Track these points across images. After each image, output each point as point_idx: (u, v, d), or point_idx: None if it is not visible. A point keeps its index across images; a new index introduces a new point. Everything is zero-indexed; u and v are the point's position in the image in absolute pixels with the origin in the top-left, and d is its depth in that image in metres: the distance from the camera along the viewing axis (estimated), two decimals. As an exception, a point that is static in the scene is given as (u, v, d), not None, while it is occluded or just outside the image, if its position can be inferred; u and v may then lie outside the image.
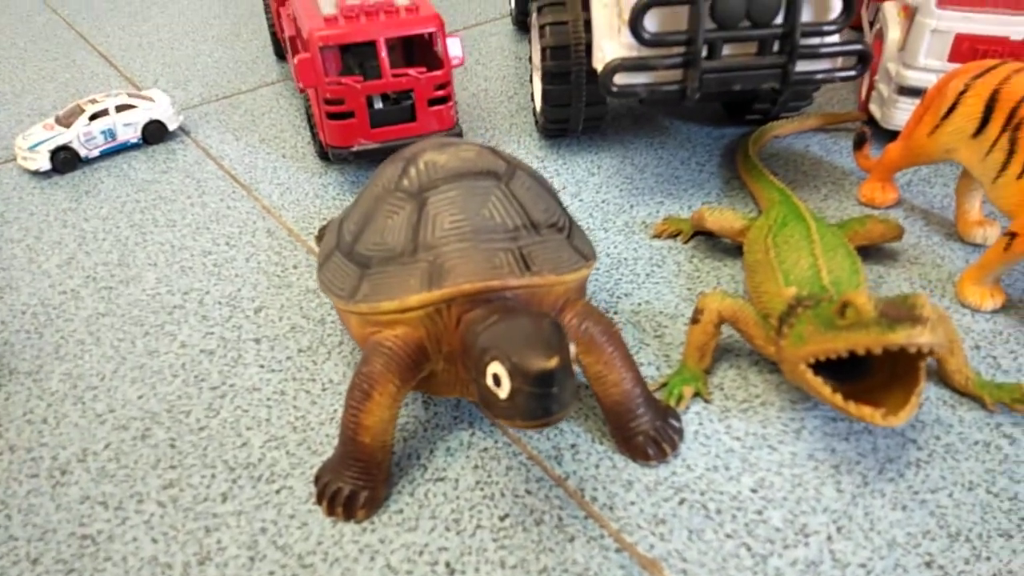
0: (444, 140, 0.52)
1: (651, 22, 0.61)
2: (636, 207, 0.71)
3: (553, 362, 0.35)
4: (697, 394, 0.52)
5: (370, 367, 0.44)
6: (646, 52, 0.62)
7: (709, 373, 0.54)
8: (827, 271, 0.52)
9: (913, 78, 0.71)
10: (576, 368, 0.49)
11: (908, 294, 0.43)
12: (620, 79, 0.63)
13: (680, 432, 0.48)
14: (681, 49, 0.61)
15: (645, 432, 0.47)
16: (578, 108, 0.76)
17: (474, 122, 0.87)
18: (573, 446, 0.49)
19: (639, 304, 0.60)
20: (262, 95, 0.96)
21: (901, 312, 0.42)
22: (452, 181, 0.47)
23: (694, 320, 0.52)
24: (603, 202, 0.72)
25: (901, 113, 0.73)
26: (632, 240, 0.67)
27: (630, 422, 0.47)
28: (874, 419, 0.42)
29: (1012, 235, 0.53)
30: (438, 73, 0.72)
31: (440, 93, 0.73)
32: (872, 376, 0.47)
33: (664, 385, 0.52)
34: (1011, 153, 0.54)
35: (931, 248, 0.64)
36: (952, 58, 0.69)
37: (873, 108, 0.77)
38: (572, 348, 0.38)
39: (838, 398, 0.44)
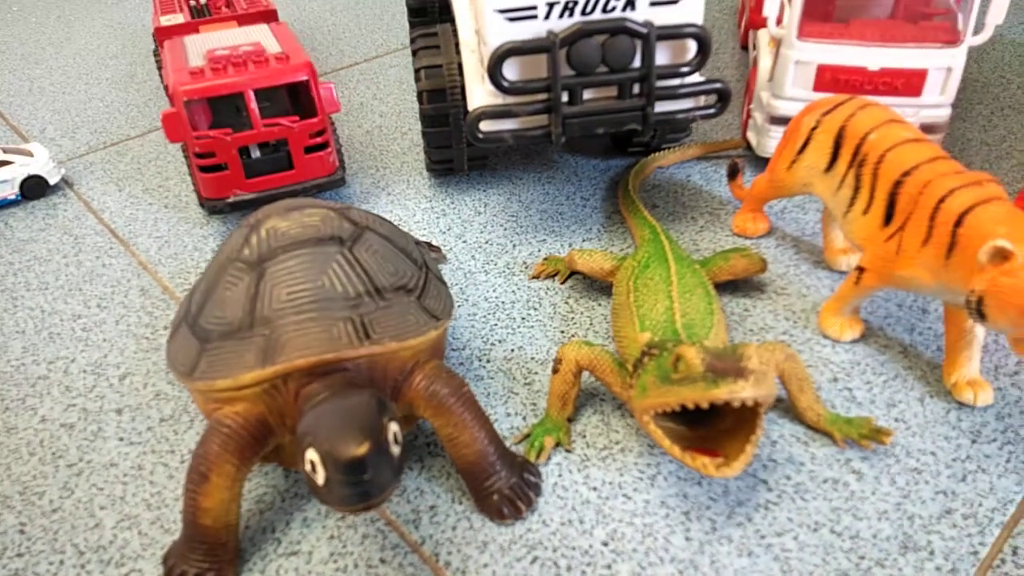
0: (293, 203, 0.51)
1: (513, 70, 0.62)
2: (519, 246, 0.71)
3: (362, 449, 0.35)
4: (558, 444, 0.52)
5: (206, 448, 0.43)
6: (511, 99, 0.63)
7: (573, 420, 0.54)
8: (682, 315, 0.53)
9: (782, 108, 0.72)
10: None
11: (738, 345, 0.44)
12: (486, 126, 0.63)
13: (537, 487, 0.48)
14: (543, 95, 0.62)
15: (500, 491, 0.47)
16: (460, 149, 0.76)
17: (365, 161, 0.86)
18: (432, 508, 0.49)
19: (512, 350, 0.60)
20: (151, 140, 0.94)
21: (728, 365, 0.43)
22: (292, 249, 0.47)
23: (554, 370, 0.53)
24: (487, 243, 0.72)
25: (773, 142, 0.75)
26: (511, 282, 0.67)
27: (485, 481, 0.47)
28: (707, 470, 0.43)
29: (861, 269, 0.55)
30: (313, 121, 0.71)
31: (317, 140, 0.72)
32: (723, 420, 0.48)
33: (527, 436, 0.52)
34: (857, 189, 0.56)
35: (799, 278, 0.65)
36: (817, 88, 0.71)
37: (750, 136, 0.79)
38: (394, 426, 0.38)
39: (676, 450, 0.44)
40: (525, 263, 0.69)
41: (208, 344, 0.46)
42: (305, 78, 0.70)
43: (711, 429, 0.48)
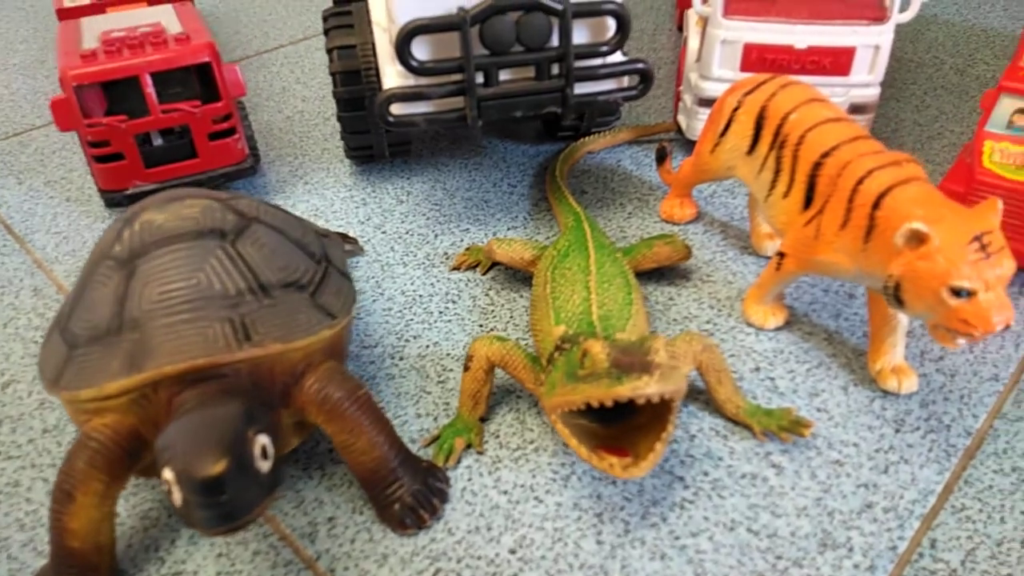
0: (173, 194, 0.47)
1: (424, 49, 0.58)
2: (441, 236, 0.68)
3: (218, 468, 0.32)
4: (469, 446, 0.49)
5: (71, 464, 0.39)
6: (423, 80, 0.59)
7: (486, 420, 0.51)
8: (599, 306, 0.50)
9: (709, 89, 0.70)
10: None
11: (646, 337, 0.42)
12: (397, 109, 0.60)
13: (443, 493, 0.46)
14: (456, 76, 0.59)
15: (402, 499, 0.44)
16: (379, 135, 0.73)
17: (284, 148, 0.82)
18: (331, 519, 0.46)
19: (427, 347, 0.57)
20: (56, 131, 0.88)
21: (634, 359, 0.40)
22: (167, 244, 0.43)
23: (465, 368, 0.50)
24: (407, 233, 0.69)
25: (702, 124, 0.73)
26: (431, 274, 0.64)
27: (386, 490, 0.44)
28: (615, 471, 0.41)
29: (781, 255, 0.53)
30: (216, 105, 0.67)
31: (222, 126, 0.68)
32: (638, 416, 0.45)
33: (436, 439, 0.50)
34: (777, 172, 0.54)
35: (725, 264, 0.63)
36: (744, 67, 0.69)
37: (680, 118, 0.76)
38: (263, 439, 0.34)
39: (583, 450, 0.42)
40: (446, 254, 0.66)
41: (76, 350, 0.42)
42: (206, 60, 0.66)
43: (625, 425, 0.45)
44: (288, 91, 0.94)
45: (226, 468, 0.32)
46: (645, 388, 0.39)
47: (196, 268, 0.42)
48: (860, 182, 0.46)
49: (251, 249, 0.45)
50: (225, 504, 0.32)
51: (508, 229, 0.69)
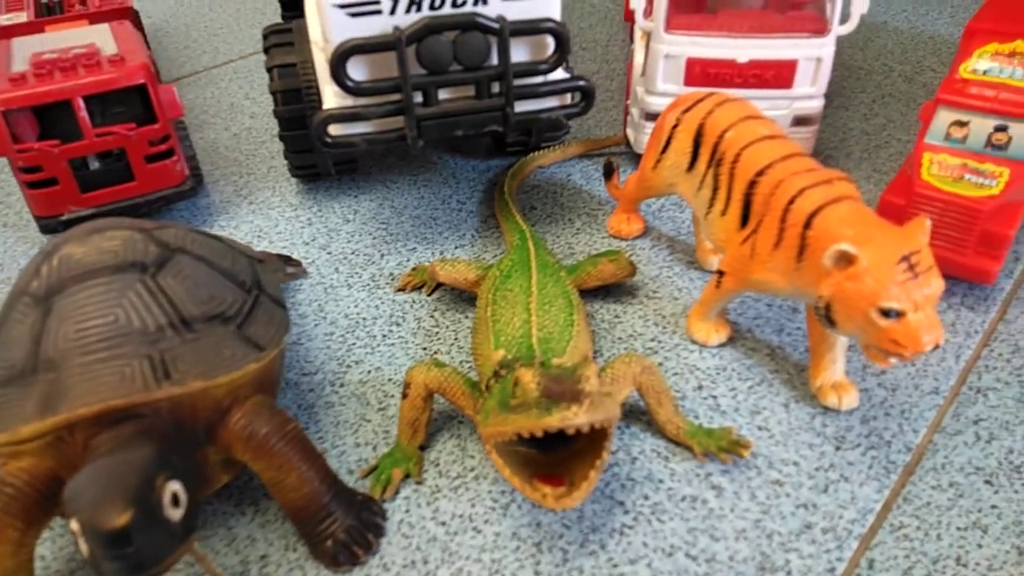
0: (95, 226, 0.46)
1: (361, 69, 0.57)
2: (387, 256, 0.67)
3: (122, 519, 0.30)
4: (408, 475, 0.48)
5: (-18, 512, 0.38)
6: (362, 100, 0.58)
7: (426, 448, 0.50)
8: (539, 328, 0.50)
9: (655, 103, 0.70)
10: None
11: (578, 363, 0.41)
12: (336, 130, 0.59)
13: (378, 527, 0.45)
14: (395, 96, 0.58)
15: (335, 535, 0.43)
16: (323, 153, 0.72)
17: (230, 167, 0.80)
18: (263, 557, 0.44)
19: (368, 372, 0.56)
20: (-5, 151, 0.86)
21: (564, 388, 0.40)
22: (85, 280, 0.42)
23: (403, 395, 0.49)
24: (353, 253, 0.68)
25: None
26: (375, 296, 0.63)
27: (318, 526, 0.43)
28: (547, 502, 0.40)
29: (721, 273, 0.53)
30: (153, 127, 0.65)
31: (160, 148, 0.66)
32: (576, 441, 0.45)
33: (374, 469, 0.49)
34: (715, 189, 0.53)
35: (671, 280, 0.63)
36: (688, 82, 0.69)
37: (629, 132, 0.76)
38: (174, 486, 0.33)
39: (516, 480, 0.41)
40: (392, 274, 0.65)
41: (-11, 392, 0.40)
42: (141, 82, 0.64)
43: (564, 452, 0.45)
44: (236, 107, 0.92)
45: (131, 519, 0.31)
46: (574, 419, 0.38)
47: (114, 304, 0.41)
48: (792, 201, 0.46)
49: (173, 282, 0.43)
50: (132, 556, 0.31)
51: (456, 248, 0.68)
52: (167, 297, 0.42)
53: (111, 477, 0.32)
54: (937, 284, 0.41)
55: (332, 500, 0.43)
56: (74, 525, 0.32)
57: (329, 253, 0.68)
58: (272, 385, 0.46)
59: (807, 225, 0.45)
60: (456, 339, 0.59)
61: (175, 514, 0.33)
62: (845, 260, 0.42)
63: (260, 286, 0.49)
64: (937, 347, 0.41)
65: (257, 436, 0.42)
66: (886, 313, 0.40)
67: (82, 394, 0.38)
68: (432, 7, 0.56)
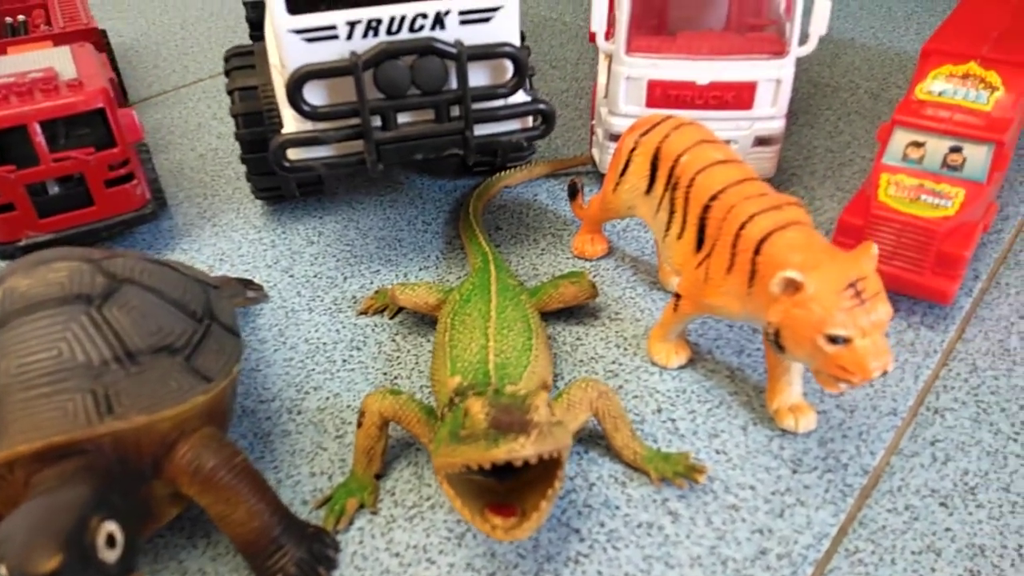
0: (42, 256, 0.45)
1: (319, 93, 0.57)
2: (350, 279, 0.67)
3: (51, 564, 0.30)
4: (362, 505, 0.48)
5: (-82, 554, 0.37)
6: (321, 125, 0.58)
7: (382, 477, 0.50)
8: (496, 354, 0.50)
9: (617, 124, 0.70)
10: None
11: (528, 393, 0.41)
12: (295, 154, 0.59)
13: (330, 560, 0.44)
14: (354, 120, 0.58)
15: (285, 569, 0.42)
16: (285, 176, 0.71)
17: (194, 188, 0.80)
18: (212, 591, 0.44)
19: (327, 399, 0.56)
20: (-43, 174, 0.85)
21: (513, 418, 0.39)
22: (29, 313, 0.41)
23: (358, 424, 0.48)
24: (316, 276, 0.67)
25: (614, 158, 0.73)
26: (337, 320, 0.63)
27: (268, 560, 0.42)
28: (497, 534, 0.40)
29: (678, 296, 0.53)
30: (113, 151, 0.65)
31: (119, 172, 0.66)
32: (530, 470, 0.44)
33: (328, 500, 0.48)
34: (672, 213, 0.54)
35: (634, 301, 0.63)
36: (650, 104, 0.69)
37: (594, 152, 0.76)
38: (110, 527, 0.33)
39: (466, 512, 0.41)
40: (355, 297, 0.65)
41: (-71, 429, 0.40)
42: (100, 106, 0.64)
43: (520, 479, 0.44)
44: (204, 127, 0.92)
45: (61, 564, 0.30)
46: (521, 451, 0.38)
47: (58, 338, 0.40)
48: (743, 227, 0.47)
49: (120, 314, 0.43)
50: (60, 602, 0.30)
51: (420, 270, 0.68)
52: (112, 330, 0.42)
53: (42, 519, 0.31)
54: (884, 310, 0.41)
55: (282, 533, 0.43)
56: (2, 569, 0.31)
57: (292, 276, 0.68)
58: (223, 416, 0.46)
59: (757, 251, 0.45)
60: (417, 364, 0.58)
61: (110, 556, 0.32)
62: (792, 287, 0.42)
63: (212, 314, 0.49)
64: (885, 373, 0.41)
65: (203, 470, 0.41)
66: (833, 340, 0.41)
67: (23, 430, 0.37)
68: (389, 32, 0.56)
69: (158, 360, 0.43)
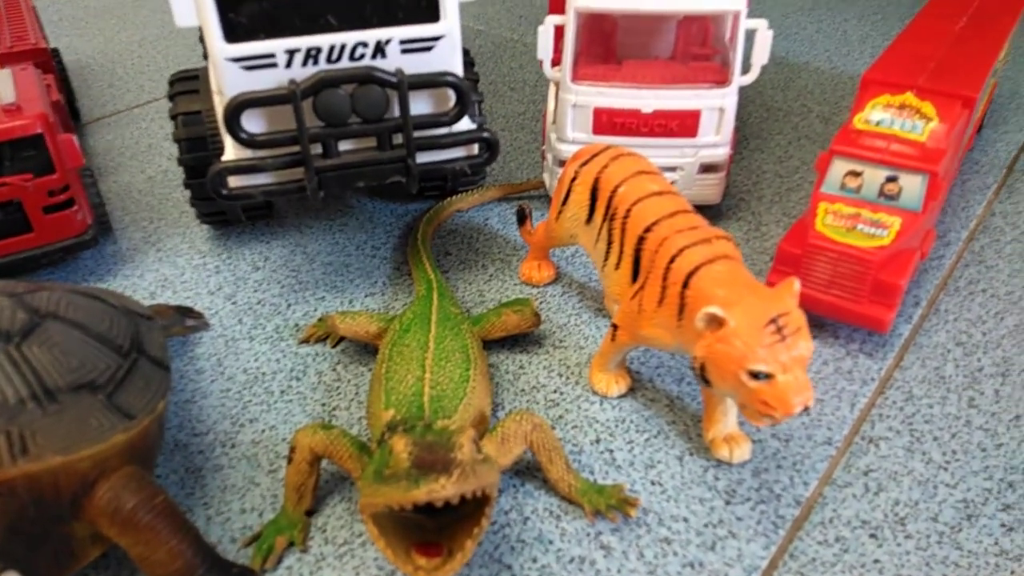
0: (-35, 291, 0.44)
1: (258, 121, 0.57)
2: (294, 306, 0.66)
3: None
4: (292, 543, 0.47)
5: None
6: (261, 152, 0.58)
7: (314, 513, 0.49)
8: (432, 386, 0.49)
9: (566, 151, 0.70)
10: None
11: (455, 430, 0.41)
12: (235, 182, 0.58)
13: (255, 599, 0.43)
14: (294, 148, 0.57)
15: (207, 611, 0.42)
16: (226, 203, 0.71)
17: (140, 212, 0.79)
18: (133, 634, 0.43)
19: (263, 431, 0.55)
20: (-103, 196, 0.83)
21: (436, 457, 0.39)
22: (-58, 351, 0.40)
23: (288, 459, 0.48)
24: (259, 303, 0.67)
25: (562, 184, 0.73)
26: (278, 348, 0.62)
27: (190, 601, 0.42)
28: (420, 575, 0.39)
29: (615, 326, 0.53)
30: (52, 177, 0.64)
31: (59, 198, 0.65)
32: (461, 506, 0.44)
33: (256, 538, 0.47)
34: (609, 243, 0.54)
35: (579, 328, 0.63)
36: (597, 131, 0.69)
37: (545, 177, 0.77)
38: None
39: (389, 552, 0.40)
40: (298, 325, 0.64)
41: None
42: (39, 132, 0.63)
43: (450, 517, 0.44)
44: (154, 148, 0.91)
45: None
46: (442, 491, 0.38)
47: (-30, 377, 0.40)
48: (673, 260, 0.47)
49: (39, 351, 0.42)
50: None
51: (366, 296, 0.67)
52: (31, 367, 0.41)
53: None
54: (805, 346, 0.41)
55: (206, 573, 0.42)
56: None
57: (234, 303, 0.67)
58: (147, 453, 0.45)
59: (686, 284, 0.46)
60: (357, 394, 0.58)
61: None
62: (715, 322, 0.42)
63: (140, 347, 0.48)
64: (807, 409, 0.41)
65: (123, 511, 0.40)
66: (755, 375, 0.41)
67: (-73, 475, 0.36)
68: (329, 60, 0.56)
69: (78, 398, 0.42)
